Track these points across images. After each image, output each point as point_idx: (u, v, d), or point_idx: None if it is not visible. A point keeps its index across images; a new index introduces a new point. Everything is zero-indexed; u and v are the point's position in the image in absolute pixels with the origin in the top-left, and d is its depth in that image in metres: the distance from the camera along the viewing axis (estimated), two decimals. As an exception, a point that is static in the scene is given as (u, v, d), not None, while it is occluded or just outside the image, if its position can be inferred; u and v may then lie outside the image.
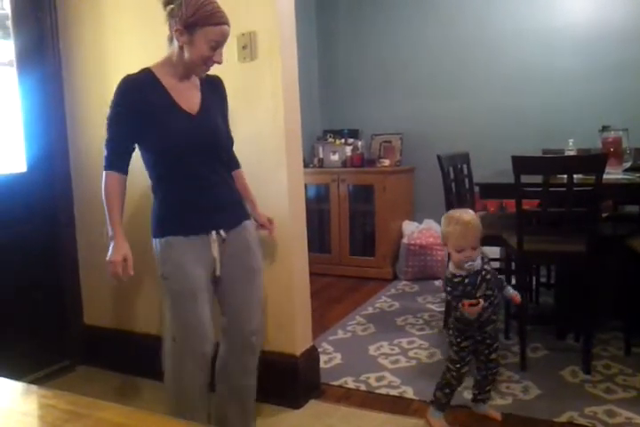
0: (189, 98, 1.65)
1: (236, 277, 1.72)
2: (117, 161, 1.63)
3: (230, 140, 1.80)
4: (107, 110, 1.63)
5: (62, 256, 2.60)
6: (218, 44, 1.57)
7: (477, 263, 1.85)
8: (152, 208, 1.69)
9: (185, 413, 1.69)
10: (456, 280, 1.84)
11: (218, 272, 1.69)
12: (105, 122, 1.63)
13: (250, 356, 1.78)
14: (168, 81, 1.62)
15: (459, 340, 1.92)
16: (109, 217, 1.62)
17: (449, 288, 1.87)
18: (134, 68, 1.65)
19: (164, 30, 1.61)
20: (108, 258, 1.60)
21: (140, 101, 1.57)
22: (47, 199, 2.53)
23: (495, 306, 1.92)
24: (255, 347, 1.78)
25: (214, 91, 1.73)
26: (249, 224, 1.77)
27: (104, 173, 1.63)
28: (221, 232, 1.67)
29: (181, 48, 1.58)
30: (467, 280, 1.83)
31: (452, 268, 1.89)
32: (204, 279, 1.66)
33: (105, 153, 1.64)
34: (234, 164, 1.85)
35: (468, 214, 1.88)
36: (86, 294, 2.67)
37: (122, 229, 1.63)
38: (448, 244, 1.87)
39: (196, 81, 1.69)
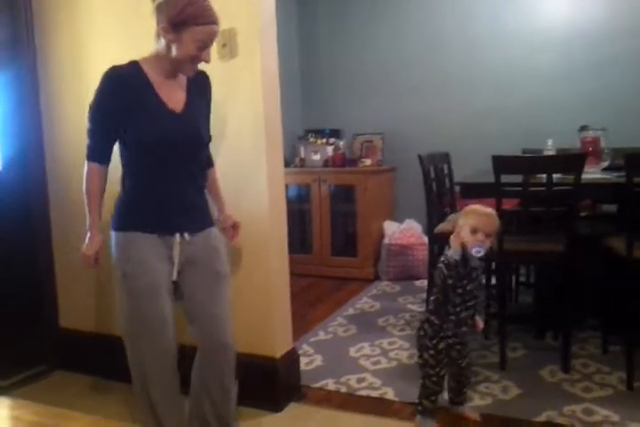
0: (175, 96, 1.62)
1: (204, 284, 1.68)
2: (99, 152, 1.62)
3: (209, 139, 1.76)
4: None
5: (38, 257, 2.54)
6: (205, 44, 1.54)
7: (477, 261, 1.88)
8: (117, 200, 1.66)
9: (157, 418, 1.66)
10: (451, 267, 1.83)
11: (174, 277, 1.65)
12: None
13: (224, 363, 1.72)
14: (155, 76, 1.59)
15: (434, 341, 1.91)
16: (87, 208, 1.64)
17: (445, 271, 1.83)
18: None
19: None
20: (82, 249, 1.65)
21: (125, 95, 1.54)
22: (22, 198, 2.47)
23: (476, 310, 1.93)
24: (229, 352, 1.73)
25: (200, 88, 1.71)
26: (215, 230, 1.75)
27: (86, 163, 1.64)
28: (185, 235, 1.64)
29: (168, 45, 1.54)
30: (462, 269, 1.84)
31: (450, 253, 1.87)
32: (166, 277, 1.63)
33: (87, 142, 1.63)
34: (209, 162, 1.82)
35: (490, 209, 1.92)
36: (62, 296, 2.61)
37: (98, 220, 1.65)
38: (462, 230, 1.85)
39: (182, 78, 1.66)
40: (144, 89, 1.57)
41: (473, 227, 1.83)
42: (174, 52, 1.53)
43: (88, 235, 1.65)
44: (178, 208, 1.63)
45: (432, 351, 1.91)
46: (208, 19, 1.51)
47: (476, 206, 1.93)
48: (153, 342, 1.62)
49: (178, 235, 1.63)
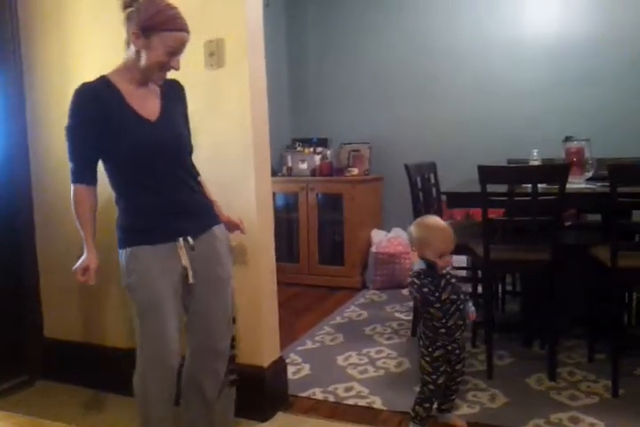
0: (148, 104, 1.60)
1: (203, 289, 1.67)
2: (83, 173, 1.59)
3: (191, 147, 1.73)
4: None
5: (22, 266, 2.50)
6: (175, 51, 1.54)
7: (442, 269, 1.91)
8: (116, 221, 1.64)
9: None
10: (422, 276, 1.87)
11: (191, 280, 1.63)
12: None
13: (220, 365, 1.73)
14: (125, 87, 1.58)
15: (430, 349, 1.92)
16: (81, 230, 1.60)
17: (417, 282, 1.86)
18: (98, 72, 1.61)
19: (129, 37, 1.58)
20: (76, 265, 1.59)
21: (97, 110, 1.52)
22: (7, 206, 2.45)
23: (462, 311, 1.93)
24: (224, 357, 1.73)
25: (174, 96, 1.69)
26: (218, 231, 1.72)
27: (72, 186, 1.59)
28: (189, 239, 1.62)
29: (138, 53, 1.53)
30: (430, 279, 1.87)
31: (415, 267, 1.91)
32: (171, 290, 1.61)
33: (70, 166, 1.59)
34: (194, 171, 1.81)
35: (441, 220, 1.95)
36: (47, 305, 2.57)
37: (93, 241, 1.61)
38: (426, 250, 1.88)
39: (154, 87, 1.64)
40: (115, 101, 1.55)
41: (441, 251, 1.86)
42: (143, 59, 1.53)
43: (85, 250, 1.60)
44: (174, 213, 1.61)
45: (428, 358, 1.92)
46: (178, 26, 1.52)
47: (434, 223, 1.93)
48: (153, 359, 1.60)
49: (181, 240, 1.61)
